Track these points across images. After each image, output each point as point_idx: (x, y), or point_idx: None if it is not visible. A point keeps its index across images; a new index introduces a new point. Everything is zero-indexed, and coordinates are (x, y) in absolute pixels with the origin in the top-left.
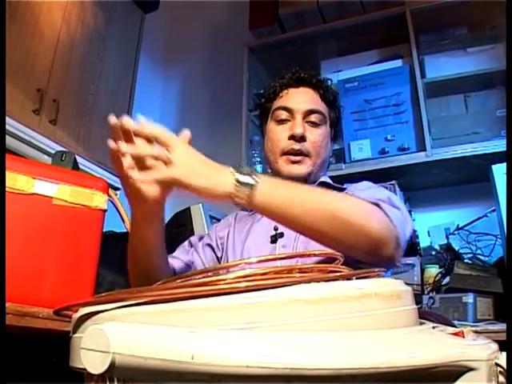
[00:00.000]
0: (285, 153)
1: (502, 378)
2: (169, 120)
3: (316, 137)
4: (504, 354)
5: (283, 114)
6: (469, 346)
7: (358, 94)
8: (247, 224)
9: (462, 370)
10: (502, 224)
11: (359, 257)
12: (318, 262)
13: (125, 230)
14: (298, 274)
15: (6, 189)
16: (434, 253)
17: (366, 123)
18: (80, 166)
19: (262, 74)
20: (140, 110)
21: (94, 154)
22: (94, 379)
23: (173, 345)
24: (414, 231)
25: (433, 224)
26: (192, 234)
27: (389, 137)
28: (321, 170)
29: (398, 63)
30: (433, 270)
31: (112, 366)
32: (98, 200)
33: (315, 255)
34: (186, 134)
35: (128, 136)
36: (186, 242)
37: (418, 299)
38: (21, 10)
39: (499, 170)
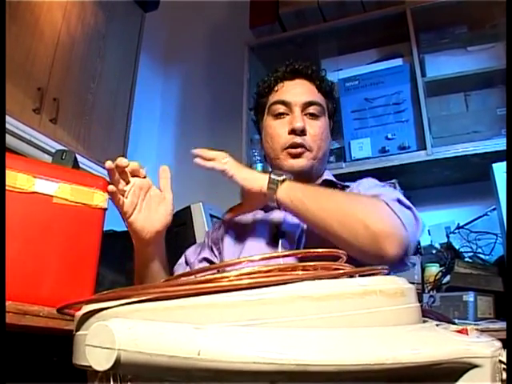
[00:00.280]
0: (285, 148)
1: (505, 375)
2: (169, 119)
3: (316, 129)
4: (505, 351)
5: (281, 108)
6: (473, 343)
7: (359, 93)
8: (246, 225)
9: (466, 367)
10: (503, 223)
11: (360, 255)
12: (322, 260)
13: (125, 229)
14: (301, 272)
15: (6, 187)
16: (434, 251)
17: (367, 122)
18: (80, 165)
19: (263, 73)
20: (140, 109)
21: (94, 152)
22: (98, 377)
23: (179, 341)
24: None
25: (433, 223)
26: (192, 232)
27: (389, 135)
28: (322, 163)
29: (398, 62)
30: (433, 269)
31: (117, 362)
32: (99, 199)
33: (319, 253)
34: (165, 168)
35: (125, 175)
36: (183, 260)
37: (418, 298)
38: (21, 10)
39: (500, 169)
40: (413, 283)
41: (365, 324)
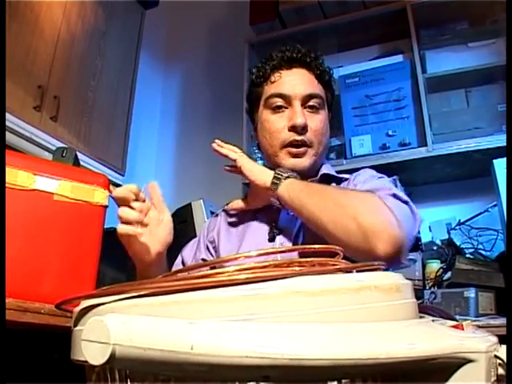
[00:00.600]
0: (285, 145)
1: (501, 371)
2: (169, 116)
3: (317, 124)
4: (504, 346)
5: (279, 102)
6: (467, 338)
7: (359, 90)
8: (242, 223)
9: (460, 362)
10: (504, 219)
11: (354, 254)
12: (318, 256)
13: None
14: (297, 267)
15: (7, 185)
16: (435, 248)
17: (367, 119)
18: (81, 163)
19: None
20: (140, 106)
21: (94, 150)
22: (95, 371)
23: (172, 336)
24: None
25: (434, 219)
26: (193, 229)
27: (390, 132)
28: (322, 157)
29: (398, 58)
30: (434, 265)
31: (112, 357)
32: (99, 196)
33: (315, 249)
34: (154, 184)
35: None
36: (179, 260)
37: (419, 294)
38: (21, 8)
39: (500, 165)
40: (414, 279)
41: (360, 319)
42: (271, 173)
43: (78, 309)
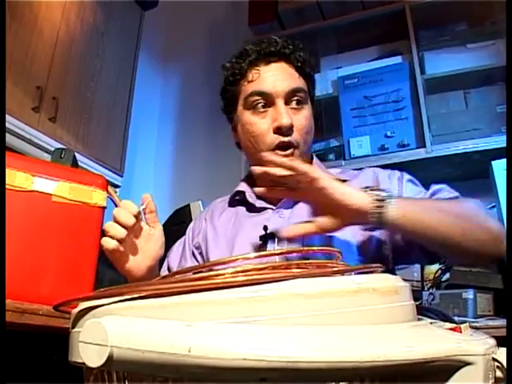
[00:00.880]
0: (272, 149)
1: (499, 373)
2: (168, 117)
3: (302, 122)
4: (502, 349)
5: (259, 101)
6: (465, 341)
7: (358, 91)
8: (229, 227)
9: (458, 365)
10: (502, 220)
11: (483, 261)
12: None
13: None
14: (295, 270)
15: (6, 186)
16: None
17: (366, 120)
18: (79, 164)
19: None
20: (139, 107)
21: (93, 151)
22: (93, 373)
23: (170, 338)
24: None
25: None
26: None
27: (388, 133)
28: (307, 154)
29: (397, 59)
30: (433, 267)
31: (110, 359)
32: (98, 197)
33: (313, 251)
34: (148, 196)
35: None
36: (165, 267)
37: (417, 295)
38: (20, 8)
39: (499, 166)
40: (412, 281)
41: (357, 322)
42: (362, 194)
43: (75, 310)
